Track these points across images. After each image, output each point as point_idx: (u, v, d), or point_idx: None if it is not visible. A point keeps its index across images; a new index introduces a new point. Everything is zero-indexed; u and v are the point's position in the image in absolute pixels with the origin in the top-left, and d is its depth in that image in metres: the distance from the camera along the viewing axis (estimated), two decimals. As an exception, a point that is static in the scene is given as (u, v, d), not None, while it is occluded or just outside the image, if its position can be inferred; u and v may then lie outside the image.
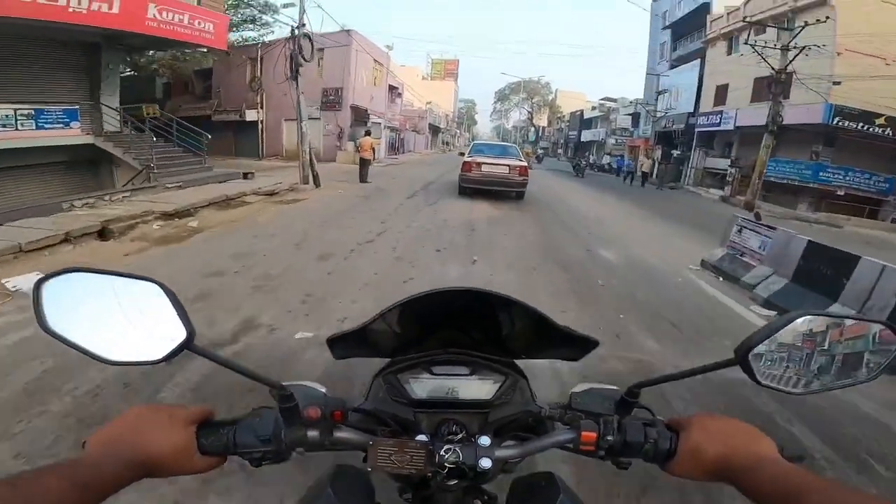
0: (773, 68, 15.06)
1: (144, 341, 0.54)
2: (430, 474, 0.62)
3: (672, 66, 29.40)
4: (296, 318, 3.63)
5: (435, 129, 52.54)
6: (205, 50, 14.56)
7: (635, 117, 36.46)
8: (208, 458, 0.59)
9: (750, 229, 5.82)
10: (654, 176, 23.33)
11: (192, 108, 20.35)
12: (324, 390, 0.72)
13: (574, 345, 0.78)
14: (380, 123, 26.26)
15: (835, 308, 4.02)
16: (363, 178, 13.05)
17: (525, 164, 11.65)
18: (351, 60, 21.85)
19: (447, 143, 61.30)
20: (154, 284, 0.53)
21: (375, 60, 25.76)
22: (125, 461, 0.50)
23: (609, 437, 0.62)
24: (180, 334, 0.52)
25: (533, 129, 75.05)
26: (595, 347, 0.76)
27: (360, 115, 22.99)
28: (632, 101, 39.47)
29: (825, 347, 0.57)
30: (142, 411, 0.57)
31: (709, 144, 24.94)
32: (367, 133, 13.76)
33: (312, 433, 0.63)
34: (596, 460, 0.66)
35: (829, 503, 0.42)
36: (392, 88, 30.94)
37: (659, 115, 27.86)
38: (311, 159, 11.08)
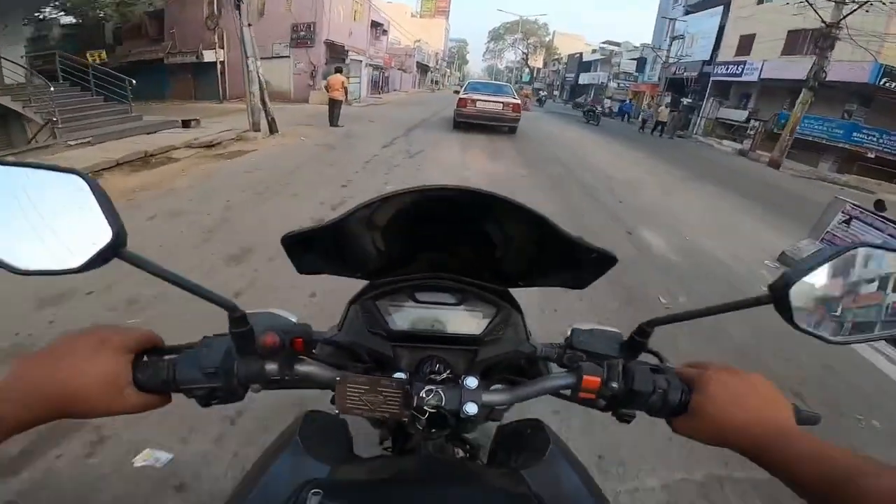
0: (823, 21, 12.90)
1: (64, 246, 0.44)
2: (406, 420, 0.55)
3: (687, 12, 27.07)
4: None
5: (424, 69, 48.74)
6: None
7: (640, 62, 34.38)
8: (144, 395, 0.50)
9: (866, 222, 4.07)
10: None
11: (145, 52, 18.63)
12: (294, 318, 0.61)
13: (584, 264, 0.63)
14: (360, 61, 23.50)
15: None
16: (333, 121, 10.89)
17: (518, 101, 12.17)
18: (326, -10, 18.83)
19: (436, 83, 57.25)
20: (75, 176, 0.43)
21: (356, -8, 22.49)
22: (39, 395, 0.43)
23: (613, 384, 0.55)
24: (106, 236, 0.42)
25: (528, 69, 70.61)
26: (613, 265, 0.61)
27: (336, 52, 20.33)
28: (638, 45, 36.77)
29: (877, 290, 0.48)
30: (72, 337, 0.48)
31: (724, 95, 23.05)
32: (338, 70, 11.31)
33: (270, 366, 0.54)
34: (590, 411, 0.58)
35: (883, 487, 0.36)
36: (376, 24, 28.03)
37: (672, 61, 25.39)
38: (263, 101, 8.80)
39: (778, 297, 0.45)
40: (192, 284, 0.47)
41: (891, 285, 0.48)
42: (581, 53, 50.27)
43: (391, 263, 0.71)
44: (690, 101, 24.21)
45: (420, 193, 0.56)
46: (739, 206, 7.19)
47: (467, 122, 11.67)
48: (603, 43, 46.69)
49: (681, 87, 25.91)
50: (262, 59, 19.64)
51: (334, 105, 10.86)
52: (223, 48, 18.37)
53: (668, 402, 0.54)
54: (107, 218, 0.43)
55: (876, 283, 0.48)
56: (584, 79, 47.73)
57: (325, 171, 6.42)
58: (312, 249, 0.63)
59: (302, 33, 19.03)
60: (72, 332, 0.49)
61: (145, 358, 0.52)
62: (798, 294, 0.45)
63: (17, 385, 0.43)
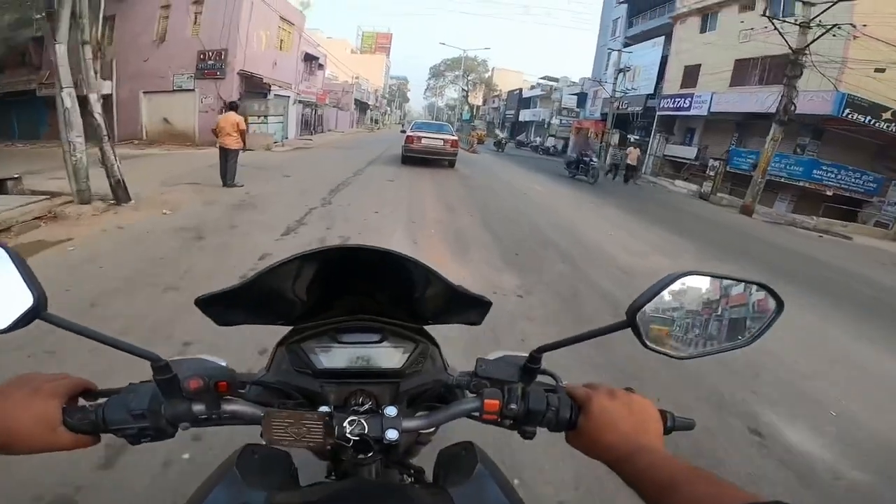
0: (791, 47, 11.98)
1: None
2: (329, 447, 0.58)
3: (626, 45, 26.84)
4: None
5: (363, 106, 46.89)
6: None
7: (581, 97, 34.19)
8: (75, 435, 0.54)
9: None
10: (642, 170, 20.10)
11: (19, 81, 15.57)
12: (224, 363, 0.65)
13: (472, 306, 0.76)
14: (287, 97, 20.76)
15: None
16: (226, 178, 7.96)
17: (456, 138, 14.40)
18: (242, 13, 16.27)
19: (376, 122, 55.49)
20: None
21: (283, 18, 20.12)
22: None
23: (513, 406, 0.60)
24: (27, 301, 0.47)
25: (468, 107, 71.18)
26: (488, 308, 0.74)
27: (255, 86, 17.63)
28: (578, 80, 37.02)
29: (710, 311, 0.57)
30: (9, 382, 0.53)
31: (668, 130, 22.50)
32: (232, 107, 8.36)
33: (197, 406, 0.57)
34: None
35: (696, 493, 0.43)
36: (310, 58, 25.65)
37: (618, 94, 24.78)
38: (104, 155, 5.92)
39: (630, 321, 0.52)
40: (114, 340, 0.50)
41: (720, 307, 0.57)
42: (521, 90, 50.37)
43: (313, 309, 0.76)
44: (638, 138, 23.40)
45: (326, 252, 0.63)
46: (833, 319, 4.69)
47: (414, 157, 13.37)
48: (541, 78, 47.28)
49: (625, 123, 25.41)
50: (161, 92, 16.30)
51: (227, 156, 7.87)
52: (111, 79, 15.23)
53: (560, 419, 0.60)
54: (27, 284, 0.47)
55: (709, 306, 0.57)
56: (524, 115, 47.91)
57: (161, 301, 3.35)
58: (231, 304, 0.66)
59: (210, 62, 16.26)
60: (10, 379, 0.54)
61: (79, 402, 0.56)
62: (644, 319, 0.53)
63: None
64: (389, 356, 0.75)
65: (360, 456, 0.61)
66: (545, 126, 40.54)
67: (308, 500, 0.62)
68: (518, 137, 45.48)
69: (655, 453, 0.51)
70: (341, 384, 0.72)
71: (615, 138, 24.37)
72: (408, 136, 13.75)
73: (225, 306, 0.66)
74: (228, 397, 0.59)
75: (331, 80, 34.32)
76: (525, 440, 0.63)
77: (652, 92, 23.50)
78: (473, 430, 0.72)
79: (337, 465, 0.73)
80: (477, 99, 72.43)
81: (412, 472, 0.76)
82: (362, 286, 0.76)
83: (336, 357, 0.74)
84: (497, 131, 41.51)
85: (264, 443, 0.59)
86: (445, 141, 13.59)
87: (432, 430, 0.70)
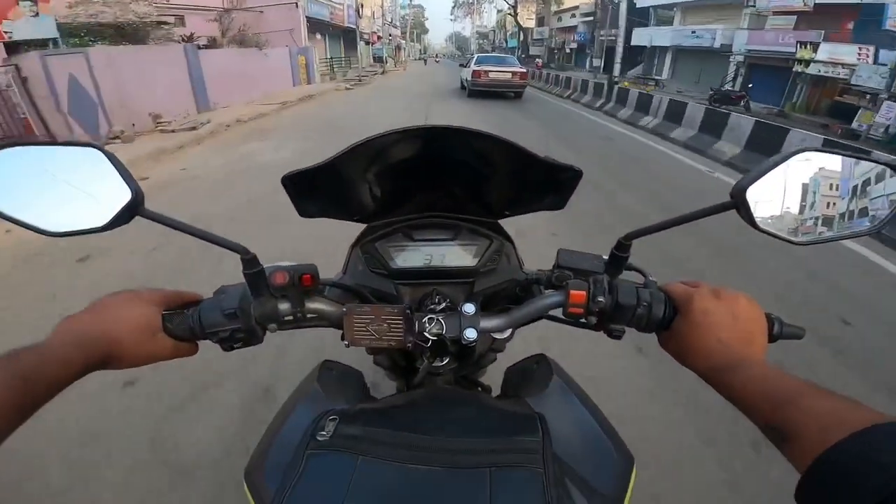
0: None
1: (90, 210, 0.49)
2: (409, 346, 0.58)
3: None
4: None
5: (346, 34, 26.42)
6: None
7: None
8: (175, 342, 0.55)
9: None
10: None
11: None
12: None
13: (555, 185, 0.68)
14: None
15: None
16: None
17: (524, 69, 14.16)
18: None
19: (381, 60, 34.41)
20: (92, 149, 0.49)
21: None
22: (79, 346, 0.46)
23: (600, 298, 0.55)
24: (125, 197, 0.47)
25: (517, 30, 48.49)
26: (579, 178, 0.65)
27: None
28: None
29: (830, 192, 0.50)
30: (107, 297, 0.53)
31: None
32: None
33: (283, 305, 0.58)
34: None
35: (816, 408, 0.37)
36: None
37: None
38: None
39: (738, 202, 0.46)
40: (206, 233, 0.51)
41: (841, 187, 0.50)
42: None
43: (386, 206, 0.75)
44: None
45: (403, 133, 0.59)
46: None
47: (481, 91, 13.51)
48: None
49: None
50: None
51: None
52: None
53: (653, 316, 0.55)
54: (125, 181, 0.47)
55: (827, 185, 0.49)
56: (641, 38, 26.53)
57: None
58: (312, 194, 0.66)
59: None
60: (106, 295, 0.53)
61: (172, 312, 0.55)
62: (755, 198, 0.46)
63: (59, 342, 0.46)
64: (463, 255, 0.74)
65: (435, 364, 0.64)
66: (731, 58, 19.33)
67: (388, 406, 0.62)
68: (632, 72, 25.13)
69: (762, 366, 0.46)
70: (416, 285, 0.73)
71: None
72: (474, 71, 13.49)
73: (307, 191, 0.65)
74: (311, 295, 0.59)
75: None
76: (612, 339, 0.59)
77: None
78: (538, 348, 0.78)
79: (409, 380, 0.72)
80: (529, 17, 49.43)
81: (480, 388, 0.76)
82: (436, 180, 0.72)
83: (410, 257, 0.74)
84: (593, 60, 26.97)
85: (340, 361, 0.65)
86: (514, 73, 13.56)
87: (508, 335, 0.67)
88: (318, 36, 21.45)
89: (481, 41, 79.16)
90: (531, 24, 49.85)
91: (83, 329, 0.48)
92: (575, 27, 38.73)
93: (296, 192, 0.64)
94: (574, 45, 39.27)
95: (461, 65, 18.49)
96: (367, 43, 33.37)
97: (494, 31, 69.68)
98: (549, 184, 0.67)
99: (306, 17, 17.71)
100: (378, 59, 34.24)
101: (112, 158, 0.48)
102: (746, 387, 0.44)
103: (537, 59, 39.37)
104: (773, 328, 0.54)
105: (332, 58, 23.13)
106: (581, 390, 0.63)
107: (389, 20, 43.87)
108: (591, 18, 32.69)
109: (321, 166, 0.59)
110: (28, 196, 0.48)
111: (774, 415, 0.40)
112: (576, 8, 37.95)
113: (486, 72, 13.46)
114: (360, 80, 20.32)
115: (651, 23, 26.98)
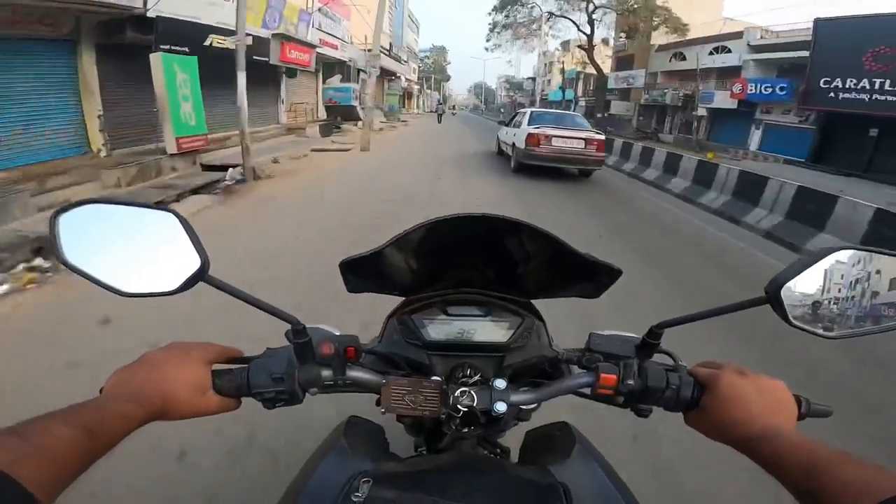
0: None
1: (160, 272, 0.51)
2: (443, 417, 0.60)
3: None
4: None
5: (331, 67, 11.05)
6: None
7: None
8: (223, 398, 0.57)
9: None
10: None
11: None
12: (338, 332, 0.66)
13: (594, 277, 0.71)
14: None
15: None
16: None
17: (602, 136, 9.19)
18: None
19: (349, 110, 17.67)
20: (169, 214, 0.50)
21: None
22: (137, 400, 0.48)
23: (629, 382, 0.58)
24: (194, 264, 0.50)
25: (576, 76, 32.21)
26: (618, 277, 0.68)
27: None
28: None
29: (864, 287, 0.51)
30: (157, 352, 0.55)
31: None
32: None
33: (326, 372, 0.61)
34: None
35: (846, 476, 0.39)
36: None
37: None
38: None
39: (771, 297, 0.48)
40: (263, 303, 0.54)
41: (876, 282, 0.51)
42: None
43: (424, 281, 0.80)
44: None
45: (450, 221, 0.63)
46: None
47: (538, 166, 8.94)
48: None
49: None
50: None
51: None
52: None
53: (681, 398, 0.57)
54: (195, 248, 0.50)
55: (862, 281, 0.51)
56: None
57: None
58: (359, 273, 0.72)
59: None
60: (154, 350, 0.55)
61: (221, 369, 0.58)
62: (790, 295, 0.49)
63: (118, 393, 0.49)
64: (494, 331, 0.75)
65: (465, 430, 0.64)
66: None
67: (418, 470, 0.63)
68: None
69: (792, 435, 0.48)
70: (448, 356, 0.74)
71: None
72: (530, 136, 8.83)
73: (355, 273, 0.70)
74: (352, 364, 0.62)
75: None
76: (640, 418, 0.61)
77: None
78: (555, 414, 0.80)
79: (430, 440, 0.77)
80: (600, 58, 31.65)
81: (499, 451, 0.80)
82: (471, 259, 0.78)
83: (443, 329, 0.75)
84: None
85: (369, 416, 0.67)
86: (588, 142, 8.81)
87: (534, 406, 0.69)
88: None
89: (513, 92, 62.91)
90: (603, 67, 33.26)
91: (139, 385, 0.50)
92: (737, 69, 20.33)
93: (348, 270, 0.69)
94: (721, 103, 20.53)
95: (501, 122, 13.07)
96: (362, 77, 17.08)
97: (535, 78, 53.51)
98: (588, 276, 0.71)
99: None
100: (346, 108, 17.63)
101: (186, 225, 0.50)
102: (780, 455, 0.45)
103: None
104: (801, 407, 0.56)
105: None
106: (604, 460, 0.64)
107: (388, 48, 27.64)
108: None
109: (373, 252, 0.64)
110: (103, 254, 0.49)
111: (809, 483, 0.41)
112: (736, 37, 20.53)
113: (549, 136, 8.71)
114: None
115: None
